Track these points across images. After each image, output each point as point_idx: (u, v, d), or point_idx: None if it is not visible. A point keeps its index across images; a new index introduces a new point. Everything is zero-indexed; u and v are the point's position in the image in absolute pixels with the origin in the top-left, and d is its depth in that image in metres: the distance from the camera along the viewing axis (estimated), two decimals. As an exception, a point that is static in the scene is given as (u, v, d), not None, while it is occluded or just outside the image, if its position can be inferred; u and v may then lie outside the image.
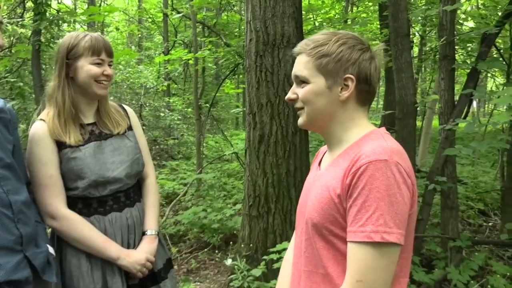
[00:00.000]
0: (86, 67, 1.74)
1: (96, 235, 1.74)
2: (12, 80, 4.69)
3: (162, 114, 9.43)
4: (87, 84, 1.76)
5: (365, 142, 1.16)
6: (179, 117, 10.03)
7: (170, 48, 10.21)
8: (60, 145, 1.73)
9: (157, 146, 9.26)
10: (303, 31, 4.32)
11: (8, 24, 4.90)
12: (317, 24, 6.16)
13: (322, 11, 8.67)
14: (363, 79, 1.19)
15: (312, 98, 1.20)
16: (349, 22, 8.31)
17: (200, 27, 8.03)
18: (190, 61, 7.28)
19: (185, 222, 4.72)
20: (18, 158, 1.66)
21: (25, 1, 6.01)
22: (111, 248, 1.75)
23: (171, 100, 10.54)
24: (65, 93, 1.76)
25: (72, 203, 1.76)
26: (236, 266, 3.02)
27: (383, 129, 1.24)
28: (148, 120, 9.70)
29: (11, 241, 1.46)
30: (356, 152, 1.13)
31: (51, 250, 1.66)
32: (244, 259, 3.31)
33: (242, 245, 3.53)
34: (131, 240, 1.85)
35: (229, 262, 3.50)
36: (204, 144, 8.82)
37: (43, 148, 1.72)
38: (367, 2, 7.54)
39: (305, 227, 1.25)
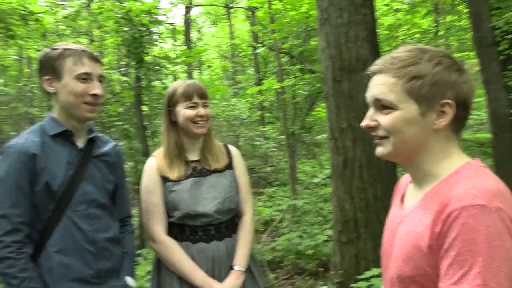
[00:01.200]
0: (182, 112, 2.00)
1: (186, 261, 1.92)
2: (118, 124, 5.28)
3: (257, 143, 9.74)
4: (186, 126, 2.01)
5: (457, 180, 0.99)
6: (275, 145, 10.25)
7: (261, 79, 10.58)
8: (165, 179, 1.99)
9: (254, 174, 9.53)
10: (387, 51, 4.22)
11: (112, 74, 5.54)
12: (399, 42, 5.96)
13: (413, 25, 8.39)
14: (461, 104, 1.03)
15: (402, 127, 1.04)
16: (441, 32, 7.90)
17: (287, 56, 8.24)
18: (280, 90, 7.49)
19: (280, 249, 4.79)
20: (121, 194, 1.94)
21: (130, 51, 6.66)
22: (197, 276, 1.90)
23: (265, 129, 10.85)
24: (170, 135, 2.05)
25: (171, 228, 2.00)
26: (325, 294, 2.99)
27: (477, 161, 1.06)
28: (244, 149, 10.06)
29: (89, 275, 1.68)
30: (446, 193, 0.98)
31: (130, 282, 1.85)
32: (335, 286, 3.27)
33: (333, 272, 3.49)
34: (217, 272, 1.96)
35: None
36: (299, 170, 8.88)
37: (151, 180, 2.00)
38: (459, 8, 7.11)
39: (390, 275, 1.12)
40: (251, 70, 15.44)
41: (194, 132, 2.00)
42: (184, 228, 1.98)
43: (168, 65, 6.60)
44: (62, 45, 1.72)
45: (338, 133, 3.51)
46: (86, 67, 1.67)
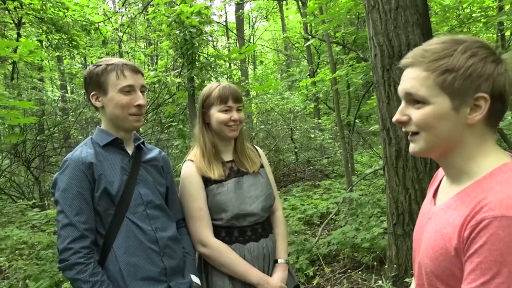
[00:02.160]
0: (216, 115, 2.01)
1: (240, 261, 1.94)
2: (174, 124, 5.46)
3: (312, 135, 9.67)
4: (218, 129, 2.03)
5: (491, 185, 0.95)
6: (330, 136, 10.13)
7: (315, 70, 10.47)
8: (207, 181, 2.00)
9: (311, 167, 9.48)
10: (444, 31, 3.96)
11: (167, 77, 5.74)
12: (455, 22, 5.61)
13: (474, 1, 7.90)
14: (497, 96, 0.98)
15: (434, 122, 1.01)
16: (507, 7, 7.39)
17: (340, 45, 8.09)
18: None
19: (336, 242, 4.75)
20: (172, 196, 1.99)
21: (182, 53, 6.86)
22: (253, 274, 1.94)
23: (320, 121, 10.75)
24: (205, 136, 2.05)
25: (217, 232, 2.00)
26: (380, 288, 2.95)
27: None
28: (300, 142, 10.02)
29: (156, 273, 1.75)
30: (480, 197, 0.94)
31: (195, 279, 1.90)
32: (390, 280, 3.20)
33: (387, 265, 3.42)
34: (266, 267, 2.01)
35: (379, 283, 3.42)
36: (356, 160, 8.72)
37: (193, 185, 1.99)
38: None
39: (417, 271, 1.13)
40: (305, 62, 15.34)
41: (227, 135, 2.02)
42: (232, 230, 1.99)
43: (221, 63, 6.72)
44: (104, 61, 1.81)
45: (390, 123, 3.41)
46: (129, 79, 1.75)
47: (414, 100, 1.03)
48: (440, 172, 1.25)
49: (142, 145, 1.91)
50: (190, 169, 2.02)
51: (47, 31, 7.72)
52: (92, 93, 1.79)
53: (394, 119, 1.09)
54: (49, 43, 8.42)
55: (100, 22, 7.70)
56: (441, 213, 1.06)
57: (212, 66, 5.61)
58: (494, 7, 7.56)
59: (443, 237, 1.00)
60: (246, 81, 9.79)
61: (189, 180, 2.00)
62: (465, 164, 1.04)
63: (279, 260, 2.04)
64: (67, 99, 12.61)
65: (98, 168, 1.72)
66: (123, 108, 1.76)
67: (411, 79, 1.03)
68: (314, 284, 4.16)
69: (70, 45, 7.64)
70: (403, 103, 1.07)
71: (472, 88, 0.97)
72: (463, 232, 0.94)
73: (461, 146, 1.03)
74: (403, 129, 1.08)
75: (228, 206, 1.96)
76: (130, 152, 1.85)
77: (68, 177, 1.68)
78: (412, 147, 1.08)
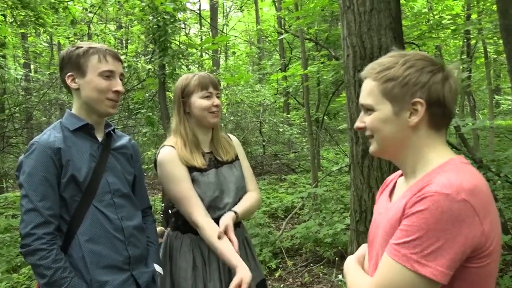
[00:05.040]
0: (198, 102, 2.01)
1: (226, 245, 1.86)
2: (142, 111, 5.38)
3: (281, 130, 9.75)
4: (201, 116, 2.02)
5: (437, 174, 1.07)
6: (298, 131, 10.24)
7: (286, 65, 10.52)
8: (190, 169, 1.98)
9: (277, 161, 9.56)
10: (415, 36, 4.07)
11: (138, 62, 5.64)
12: (425, 28, 5.77)
13: (445, 8, 8.14)
14: (435, 102, 1.11)
15: (380, 126, 1.16)
16: (473, 16, 7.66)
17: (312, 42, 8.15)
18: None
19: (299, 236, 4.83)
20: (140, 185, 1.97)
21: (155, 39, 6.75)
22: (235, 258, 1.84)
23: (289, 116, 10.82)
24: (186, 126, 2.04)
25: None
26: (340, 282, 3.03)
27: (460, 158, 1.14)
28: (268, 136, 10.08)
29: (120, 261, 1.74)
30: (426, 183, 1.06)
31: (158, 268, 1.90)
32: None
33: (348, 262, 3.51)
34: None
35: (339, 277, 3.51)
36: (322, 157, 8.85)
37: (177, 167, 1.95)
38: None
39: (373, 266, 1.20)
40: (277, 56, 15.37)
41: (210, 121, 2.02)
42: None
43: (193, 52, 6.65)
44: (86, 43, 1.79)
45: (358, 123, 3.49)
46: (110, 65, 1.74)
47: (366, 109, 1.19)
48: (389, 178, 1.39)
49: (112, 132, 1.88)
50: (172, 152, 1.98)
51: (12, 6, 7.39)
52: (69, 73, 1.75)
53: (355, 126, 1.24)
54: (13, 18, 8.07)
55: (69, 1, 7.44)
56: (395, 204, 1.16)
57: (184, 55, 5.54)
58: (462, 15, 7.81)
59: (395, 222, 1.09)
60: (218, 72, 9.73)
61: (173, 164, 1.96)
62: (417, 163, 1.16)
63: (233, 208, 2.01)
64: (31, 78, 12.14)
65: (66, 154, 1.68)
66: (101, 92, 1.73)
67: (363, 90, 1.20)
68: (276, 276, 4.23)
69: (37, 22, 7.34)
70: (362, 112, 1.23)
71: (408, 94, 1.12)
72: (406, 206, 1.06)
73: (408, 146, 1.16)
74: (365, 135, 1.24)
75: (206, 195, 1.96)
76: (100, 138, 1.82)
77: (34, 161, 1.64)
78: (370, 148, 1.24)
